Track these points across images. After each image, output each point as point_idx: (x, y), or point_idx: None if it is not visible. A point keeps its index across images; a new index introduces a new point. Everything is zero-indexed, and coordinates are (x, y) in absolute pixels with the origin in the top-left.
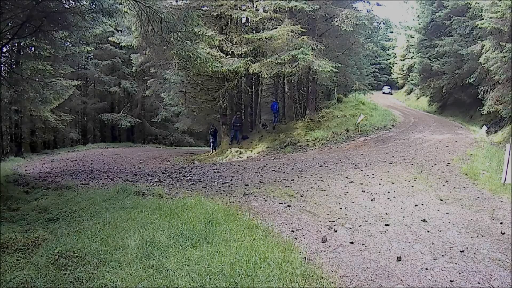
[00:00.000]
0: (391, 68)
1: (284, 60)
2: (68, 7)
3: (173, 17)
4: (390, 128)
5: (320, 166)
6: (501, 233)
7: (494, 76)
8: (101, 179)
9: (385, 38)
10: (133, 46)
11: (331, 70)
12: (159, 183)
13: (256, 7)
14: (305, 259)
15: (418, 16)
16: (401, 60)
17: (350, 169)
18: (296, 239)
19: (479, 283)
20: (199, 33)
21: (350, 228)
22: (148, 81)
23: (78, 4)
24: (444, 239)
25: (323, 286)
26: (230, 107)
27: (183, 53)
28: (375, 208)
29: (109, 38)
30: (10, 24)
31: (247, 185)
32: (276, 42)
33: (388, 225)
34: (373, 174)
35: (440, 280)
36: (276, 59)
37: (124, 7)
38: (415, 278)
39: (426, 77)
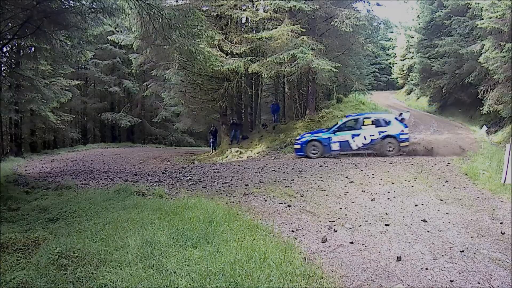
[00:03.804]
0: (391, 68)
1: (284, 59)
2: (68, 6)
3: (175, 13)
4: None
5: (320, 166)
6: (501, 233)
7: (493, 76)
8: (101, 179)
9: (385, 38)
10: (133, 46)
11: (331, 70)
12: (159, 183)
13: (256, 7)
14: (305, 259)
15: (418, 16)
16: (401, 60)
17: (350, 169)
18: (296, 239)
19: (479, 283)
20: (201, 29)
21: (350, 228)
22: (148, 84)
23: (78, 4)
24: (444, 239)
25: (323, 286)
26: (230, 107)
27: (185, 47)
28: (375, 208)
29: (109, 37)
30: (10, 24)
31: (247, 185)
32: (276, 42)
33: (388, 225)
34: (373, 174)
35: (440, 280)
36: (276, 58)
37: (125, 5)
38: (415, 278)
39: (426, 77)
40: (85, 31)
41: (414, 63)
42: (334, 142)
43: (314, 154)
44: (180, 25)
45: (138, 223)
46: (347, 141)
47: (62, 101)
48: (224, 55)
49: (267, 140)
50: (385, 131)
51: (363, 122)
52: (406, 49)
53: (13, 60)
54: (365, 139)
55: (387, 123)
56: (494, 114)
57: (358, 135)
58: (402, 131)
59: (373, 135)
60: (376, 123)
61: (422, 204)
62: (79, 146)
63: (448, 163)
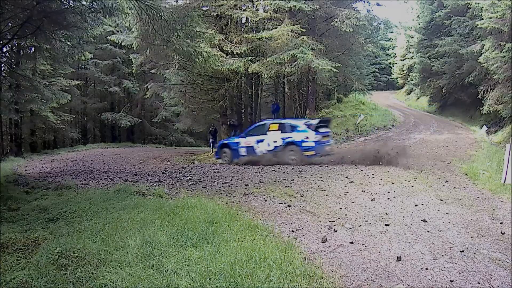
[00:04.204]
0: (391, 68)
1: (284, 59)
2: (68, 7)
3: (173, 15)
4: (390, 128)
5: (320, 166)
6: (501, 233)
7: (493, 76)
8: (101, 179)
9: (385, 38)
10: (133, 46)
11: (331, 70)
12: (159, 183)
13: (256, 7)
14: (305, 259)
15: (418, 16)
16: (401, 60)
17: (350, 169)
18: (296, 239)
19: (479, 283)
20: (200, 31)
21: (350, 228)
22: (148, 84)
23: (78, 4)
24: (444, 239)
25: (323, 286)
26: (230, 107)
27: (185, 48)
28: (375, 208)
29: (109, 37)
30: (10, 24)
31: (247, 185)
32: (276, 42)
33: (388, 225)
34: (373, 174)
35: (440, 280)
36: (276, 58)
37: (125, 5)
38: (415, 278)
39: (426, 77)
40: (85, 31)
41: (414, 63)
42: (242, 147)
43: (225, 160)
44: (179, 27)
45: (138, 223)
46: (252, 146)
47: (62, 102)
48: (224, 55)
49: None
50: (288, 138)
51: (269, 127)
52: (406, 49)
53: (13, 60)
54: (269, 145)
55: (293, 128)
56: (494, 114)
57: (262, 140)
58: (307, 138)
59: (276, 142)
60: (282, 128)
61: (422, 204)
62: (79, 146)
63: (448, 163)
